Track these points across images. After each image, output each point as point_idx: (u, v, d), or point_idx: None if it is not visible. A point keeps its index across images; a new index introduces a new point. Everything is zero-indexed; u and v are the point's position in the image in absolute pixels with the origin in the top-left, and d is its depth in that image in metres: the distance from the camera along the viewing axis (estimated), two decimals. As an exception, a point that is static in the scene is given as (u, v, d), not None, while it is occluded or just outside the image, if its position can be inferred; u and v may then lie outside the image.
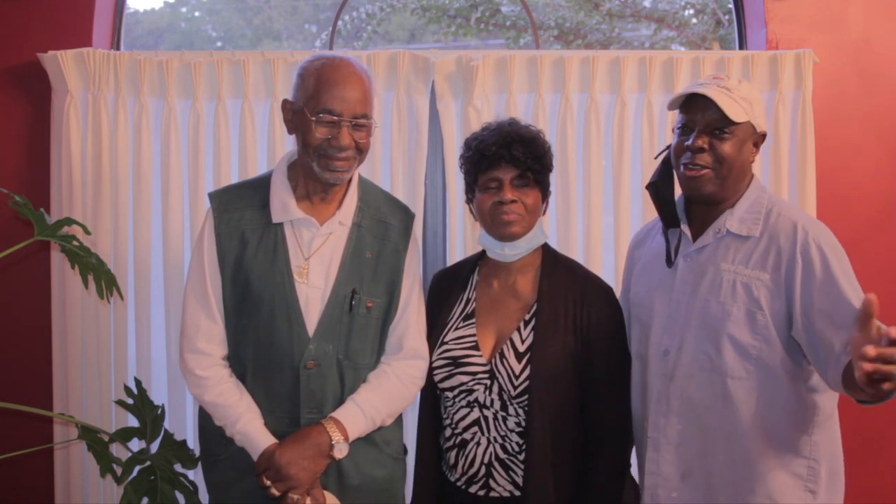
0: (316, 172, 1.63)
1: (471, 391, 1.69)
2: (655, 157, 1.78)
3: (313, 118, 1.59)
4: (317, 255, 1.67)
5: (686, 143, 1.59)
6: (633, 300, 1.77)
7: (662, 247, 1.71)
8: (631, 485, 1.77)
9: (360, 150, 1.65)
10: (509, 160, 1.67)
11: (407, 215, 1.80)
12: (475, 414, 1.69)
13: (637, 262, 1.81)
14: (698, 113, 1.57)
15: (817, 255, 1.49)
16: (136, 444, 1.99)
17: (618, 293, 1.85)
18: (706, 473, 1.58)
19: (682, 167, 1.60)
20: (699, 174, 1.57)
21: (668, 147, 1.71)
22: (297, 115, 1.65)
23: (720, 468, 1.57)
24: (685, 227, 1.67)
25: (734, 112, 1.53)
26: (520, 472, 1.67)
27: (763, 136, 1.62)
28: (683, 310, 1.62)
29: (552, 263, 1.76)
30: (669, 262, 1.67)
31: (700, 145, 1.56)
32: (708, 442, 1.58)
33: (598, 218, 2.44)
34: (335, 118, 1.59)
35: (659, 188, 1.70)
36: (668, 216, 1.69)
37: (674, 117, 2.38)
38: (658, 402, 1.64)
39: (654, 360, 1.65)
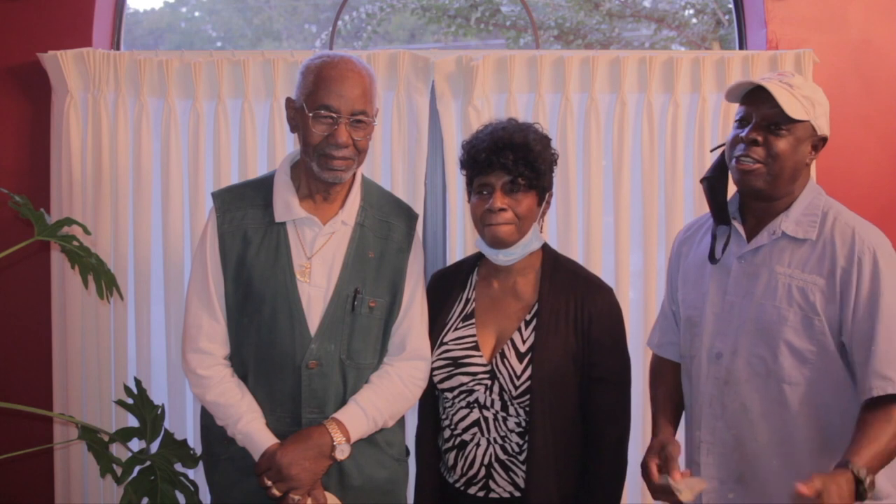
0: (315, 172, 1.63)
1: (471, 392, 1.69)
2: (711, 151, 1.74)
3: (311, 114, 1.60)
4: (319, 255, 1.67)
5: (741, 135, 1.55)
6: (682, 300, 1.73)
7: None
8: None
9: (359, 151, 1.64)
10: (499, 167, 1.66)
11: (410, 216, 1.81)
12: (475, 415, 1.69)
13: (683, 258, 1.77)
14: (756, 106, 1.53)
15: (868, 268, 1.47)
16: (136, 445, 1.99)
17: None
18: (761, 479, 1.55)
19: (734, 160, 1.56)
20: (751, 168, 1.52)
21: (724, 144, 1.67)
22: (297, 113, 1.65)
23: (775, 474, 1.53)
24: (738, 225, 1.63)
25: (793, 109, 1.48)
26: (520, 473, 1.66)
27: (824, 140, 1.56)
28: (737, 312, 1.59)
29: (552, 264, 1.76)
30: (713, 258, 1.64)
31: (753, 138, 1.52)
32: (763, 447, 1.55)
33: (598, 218, 2.44)
34: (333, 115, 1.59)
35: (713, 184, 1.66)
36: (719, 213, 1.65)
37: (675, 115, 2.42)
38: (711, 405, 1.61)
39: (705, 363, 1.62)
